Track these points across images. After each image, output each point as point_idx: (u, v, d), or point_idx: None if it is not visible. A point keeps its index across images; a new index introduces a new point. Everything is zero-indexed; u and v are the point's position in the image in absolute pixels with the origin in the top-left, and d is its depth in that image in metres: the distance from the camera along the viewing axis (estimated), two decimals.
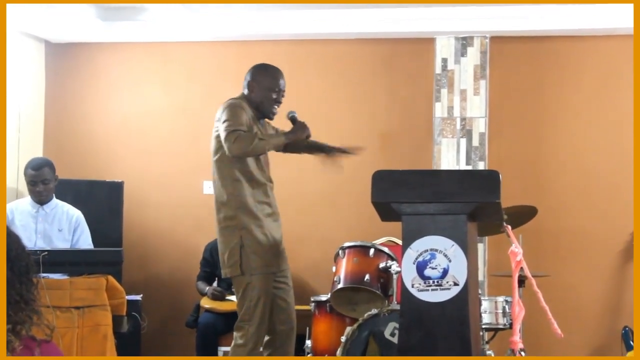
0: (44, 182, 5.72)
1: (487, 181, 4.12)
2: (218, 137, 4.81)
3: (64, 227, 5.78)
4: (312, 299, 5.67)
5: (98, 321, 4.76)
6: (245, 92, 4.96)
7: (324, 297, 5.60)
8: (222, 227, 4.87)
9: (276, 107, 4.94)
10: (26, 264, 2.28)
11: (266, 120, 5.05)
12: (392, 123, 6.92)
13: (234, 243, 4.79)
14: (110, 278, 4.89)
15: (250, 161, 4.82)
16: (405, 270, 4.08)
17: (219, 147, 4.83)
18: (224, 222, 4.86)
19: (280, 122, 5.06)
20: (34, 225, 5.75)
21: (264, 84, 4.92)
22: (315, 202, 6.93)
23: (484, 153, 6.73)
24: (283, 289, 4.96)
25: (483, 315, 5.32)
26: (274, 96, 4.91)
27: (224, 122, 4.74)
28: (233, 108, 4.78)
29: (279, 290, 4.94)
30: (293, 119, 4.94)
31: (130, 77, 7.23)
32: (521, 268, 4.63)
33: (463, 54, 6.79)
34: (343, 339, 5.09)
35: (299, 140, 4.96)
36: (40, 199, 5.76)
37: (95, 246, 5.86)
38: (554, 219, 6.62)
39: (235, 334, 4.85)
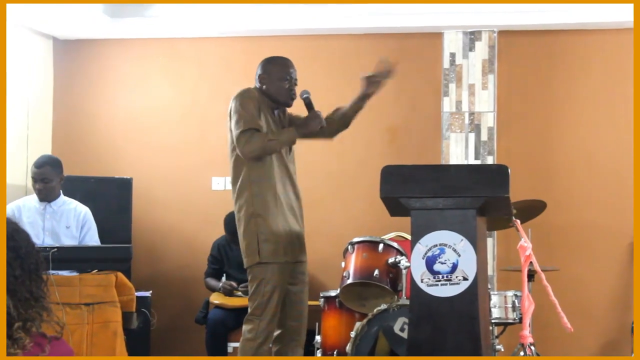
0: (43, 180, 5.66)
1: (496, 176, 4.11)
2: (232, 131, 4.80)
3: (72, 223, 5.76)
4: (321, 295, 5.66)
5: (108, 318, 4.77)
6: (257, 85, 4.94)
7: (333, 293, 5.59)
8: (240, 216, 4.84)
9: (293, 94, 4.92)
10: (36, 261, 2.28)
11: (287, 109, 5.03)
12: (401, 118, 6.91)
13: (250, 231, 4.78)
14: (120, 274, 4.90)
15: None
16: (415, 265, 4.07)
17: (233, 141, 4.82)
18: (240, 212, 4.84)
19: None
20: (41, 223, 5.73)
21: (275, 74, 4.90)
22: (324, 197, 6.92)
23: (492, 147, 6.71)
24: (298, 285, 4.94)
25: (492, 309, 5.32)
26: (287, 85, 4.90)
27: (234, 117, 4.74)
28: (241, 98, 4.77)
29: (294, 286, 4.92)
30: (307, 101, 4.89)
31: (138, 74, 7.23)
32: (530, 262, 4.62)
33: (471, 48, 6.77)
34: (352, 334, 5.08)
35: (313, 131, 4.92)
36: (40, 197, 5.73)
37: (104, 243, 5.85)
38: (563, 213, 6.60)
39: (244, 327, 4.82)
